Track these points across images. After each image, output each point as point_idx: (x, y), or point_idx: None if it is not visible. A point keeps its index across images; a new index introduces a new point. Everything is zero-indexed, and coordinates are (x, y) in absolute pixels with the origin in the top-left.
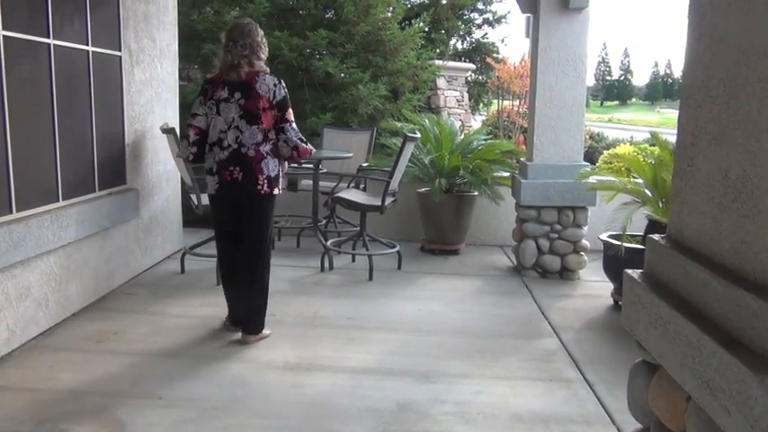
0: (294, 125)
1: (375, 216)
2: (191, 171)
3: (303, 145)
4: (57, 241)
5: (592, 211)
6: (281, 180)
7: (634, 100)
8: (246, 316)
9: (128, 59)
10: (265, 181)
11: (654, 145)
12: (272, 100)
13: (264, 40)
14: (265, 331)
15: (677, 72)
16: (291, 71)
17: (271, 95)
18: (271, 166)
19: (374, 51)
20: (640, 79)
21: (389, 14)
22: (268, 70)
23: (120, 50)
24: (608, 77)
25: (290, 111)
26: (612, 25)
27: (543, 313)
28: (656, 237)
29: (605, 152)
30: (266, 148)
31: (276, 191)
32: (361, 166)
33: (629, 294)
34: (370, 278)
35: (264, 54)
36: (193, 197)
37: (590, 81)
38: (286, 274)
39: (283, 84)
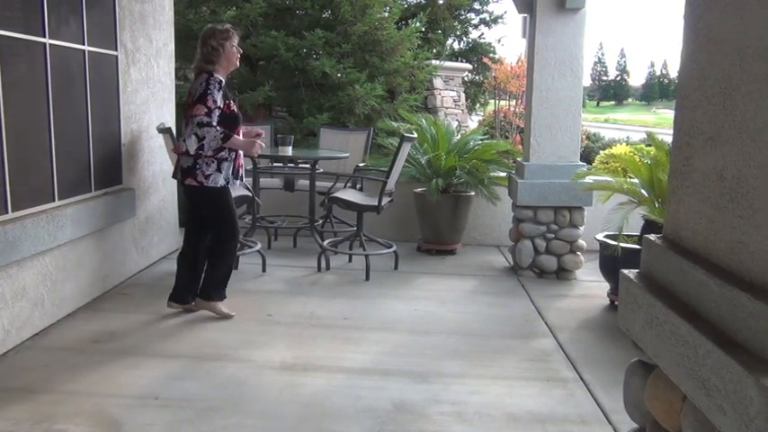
0: (196, 119)
1: (372, 216)
2: None
3: (208, 144)
4: (52, 241)
5: (588, 212)
6: (200, 172)
7: (630, 100)
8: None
9: (124, 59)
10: (180, 172)
11: (650, 145)
12: (194, 96)
13: (222, 43)
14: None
15: (673, 72)
16: (288, 71)
17: (194, 92)
18: (183, 159)
19: (371, 51)
20: (637, 79)
21: (386, 15)
22: (212, 71)
23: (116, 50)
24: (604, 78)
25: (199, 106)
26: (609, 26)
27: (540, 313)
28: (652, 237)
29: (602, 152)
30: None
31: (192, 182)
32: (357, 166)
33: (626, 294)
34: (367, 278)
35: (218, 58)
36: None
37: (586, 81)
38: (283, 274)
39: (211, 81)
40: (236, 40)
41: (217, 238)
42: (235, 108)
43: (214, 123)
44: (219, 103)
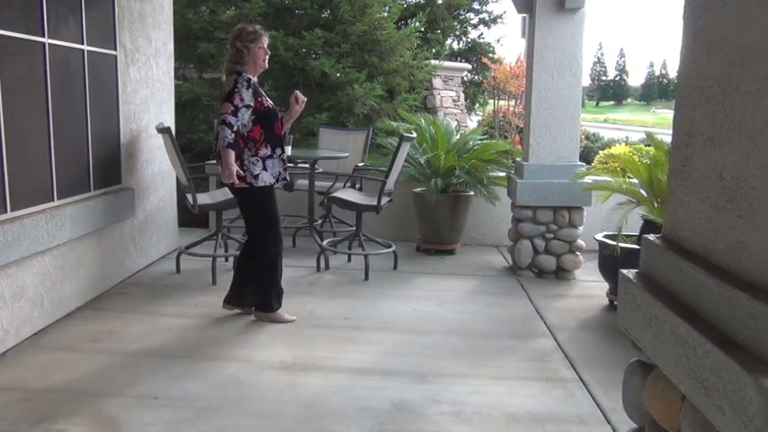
0: (224, 117)
1: (371, 216)
2: (186, 171)
3: (219, 142)
4: (51, 241)
5: (587, 212)
6: (248, 173)
7: (629, 100)
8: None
9: (123, 58)
10: (245, 172)
11: (649, 145)
12: (224, 95)
13: (248, 45)
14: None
15: (672, 72)
16: (287, 71)
17: (224, 91)
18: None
19: (370, 51)
20: (636, 79)
21: (385, 14)
22: (240, 71)
23: (115, 49)
24: (604, 78)
25: (226, 104)
26: (608, 26)
27: (539, 313)
28: (651, 237)
29: (601, 152)
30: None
31: (242, 184)
32: (357, 165)
33: (625, 294)
34: (366, 278)
35: (243, 59)
36: (189, 197)
37: (586, 81)
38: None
39: (239, 80)
40: (264, 42)
41: (252, 238)
42: (269, 104)
43: (234, 126)
44: (248, 101)
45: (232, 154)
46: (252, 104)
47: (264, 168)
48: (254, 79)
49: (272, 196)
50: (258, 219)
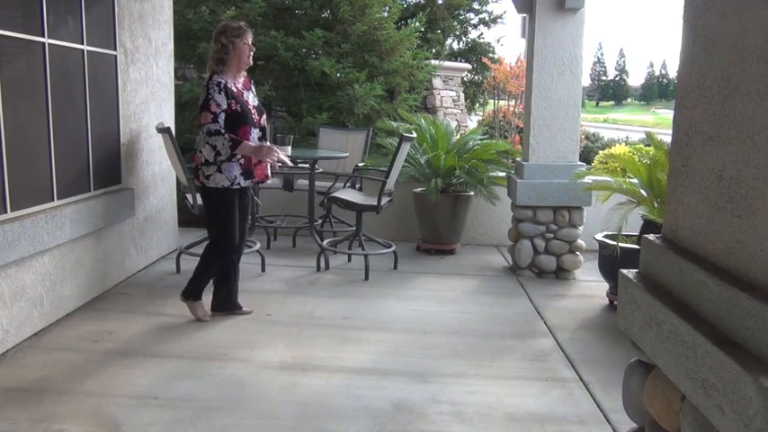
0: (209, 128)
1: (371, 216)
2: (186, 171)
3: (222, 156)
4: (51, 241)
5: (587, 211)
6: (201, 173)
7: (629, 100)
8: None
9: (123, 58)
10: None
11: (649, 145)
12: (199, 102)
13: (233, 40)
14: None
15: (672, 73)
16: (287, 71)
17: (200, 99)
18: (202, 160)
19: (370, 51)
20: (636, 80)
21: (385, 14)
22: (215, 72)
23: (115, 49)
24: (603, 78)
25: (204, 113)
26: (608, 26)
27: (539, 313)
28: (651, 237)
29: (601, 152)
30: (200, 145)
31: (196, 182)
32: (357, 165)
33: (625, 294)
34: (366, 278)
35: (228, 55)
36: (189, 197)
37: (585, 81)
38: (282, 274)
39: (210, 85)
40: (248, 38)
41: (212, 239)
42: (240, 108)
43: (222, 130)
44: (224, 105)
45: (247, 144)
46: (225, 108)
47: (219, 170)
48: (225, 80)
49: (229, 199)
50: (211, 220)
